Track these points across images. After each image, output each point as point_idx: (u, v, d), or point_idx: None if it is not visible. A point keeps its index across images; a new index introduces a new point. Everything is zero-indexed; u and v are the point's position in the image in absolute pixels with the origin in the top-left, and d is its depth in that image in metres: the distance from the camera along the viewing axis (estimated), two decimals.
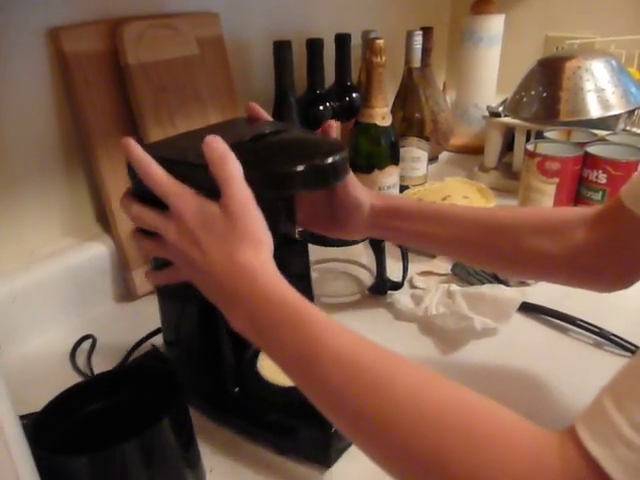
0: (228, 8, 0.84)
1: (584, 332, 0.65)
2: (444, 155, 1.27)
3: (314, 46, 0.89)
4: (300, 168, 0.43)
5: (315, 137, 0.53)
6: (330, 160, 0.45)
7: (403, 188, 1.05)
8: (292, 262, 0.61)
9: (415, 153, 1.04)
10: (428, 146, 1.05)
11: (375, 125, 0.90)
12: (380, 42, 0.86)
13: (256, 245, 0.40)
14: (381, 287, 0.73)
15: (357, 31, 1.00)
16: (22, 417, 0.40)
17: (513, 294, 0.67)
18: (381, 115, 0.90)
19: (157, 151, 0.45)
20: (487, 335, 0.65)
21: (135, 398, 0.45)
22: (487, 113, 1.06)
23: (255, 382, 0.55)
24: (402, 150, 1.02)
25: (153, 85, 0.71)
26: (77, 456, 0.38)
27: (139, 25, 0.69)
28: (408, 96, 1.02)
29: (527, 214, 0.55)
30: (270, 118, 0.55)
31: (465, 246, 0.56)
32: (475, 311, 0.66)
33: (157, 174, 0.42)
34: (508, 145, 1.10)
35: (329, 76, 0.99)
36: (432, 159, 1.20)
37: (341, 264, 0.78)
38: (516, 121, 1.02)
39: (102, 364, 0.61)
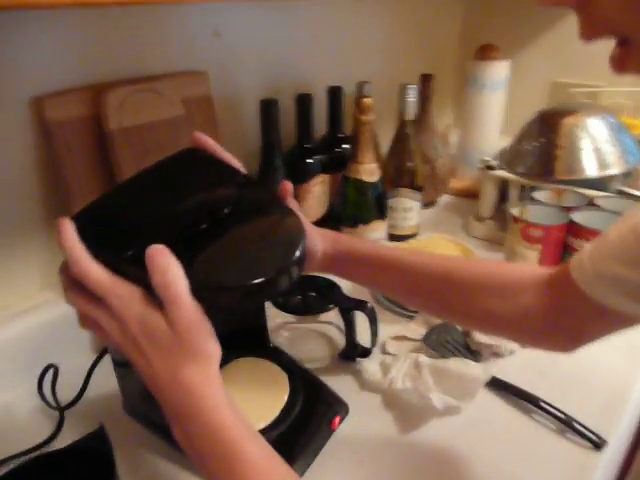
0: (218, 66, 0.86)
1: (549, 416, 0.64)
2: (444, 198, 1.26)
3: (303, 101, 0.90)
4: (258, 280, 0.40)
5: (272, 217, 0.49)
6: (295, 257, 0.43)
7: (395, 238, 1.06)
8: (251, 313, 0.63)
9: (406, 204, 1.04)
10: (420, 196, 1.05)
11: (361, 180, 0.91)
12: (367, 100, 0.87)
13: (203, 360, 0.40)
14: (350, 353, 0.73)
15: (356, 80, 1.01)
16: None
17: (479, 372, 0.66)
18: (368, 171, 0.91)
19: (92, 227, 0.43)
20: (450, 413, 0.65)
21: None
22: (482, 164, 1.06)
23: None
24: (394, 200, 1.02)
25: (135, 149, 0.73)
26: None
27: (122, 91, 0.71)
28: (400, 147, 1.02)
29: (480, 270, 0.54)
30: (218, 149, 0.52)
31: (416, 296, 0.57)
32: (440, 387, 0.66)
33: (92, 271, 0.40)
34: (504, 194, 1.09)
35: (322, 126, 1.00)
36: (429, 204, 1.20)
37: (318, 325, 0.79)
38: (510, 175, 1.01)
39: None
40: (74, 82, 0.70)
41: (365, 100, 0.87)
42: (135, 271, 0.40)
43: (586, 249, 0.47)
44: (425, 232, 1.09)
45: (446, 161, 1.20)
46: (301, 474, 0.56)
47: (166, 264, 0.39)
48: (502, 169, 1.03)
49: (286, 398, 0.60)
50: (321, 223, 0.97)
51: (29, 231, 0.71)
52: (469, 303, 0.53)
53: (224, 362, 0.65)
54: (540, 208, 0.85)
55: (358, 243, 0.58)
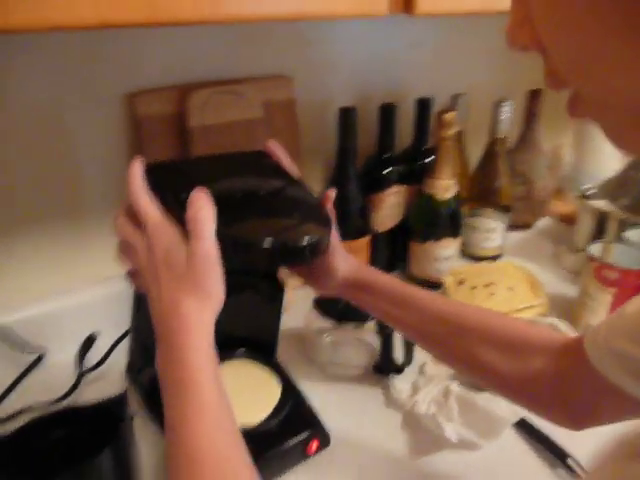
0: (306, 71, 0.89)
1: (574, 474, 0.59)
2: (543, 222, 1.18)
3: (386, 110, 0.90)
4: (267, 245, 0.44)
5: (305, 207, 0.52)
6: (304, 242, 0.45)
7: (475, 258, 1.02)
8: (266, 307, 0.65)
9: (489, 224, 0.99)
10: (506, 217, 1.00)
11: (435, 196, 0.89)
12: (448, 115, 0.85)
13: (204, 299, 0.43)
14: (384, 367, 0.73)
15: (451, 91, 0.98)
16: None
17: (507, 412, 0.63)
18: (444, 187, 0.89)
19: (159, 175, 0.49)
20: (467, 448, 0.63)
21: (81, 433, 0.54)
22: (579, 192, 0.97)
23: None
24: (476, 220, 0.99)
25: (212, 146, 0.80)
26: None
27: (206, 92, 0.78)
28: (488, 165, 0.98)
29: (493, 324, 0.53)
30: (285, 159, 0.56)
31: (423, 337, 0.56)
32: (464, 419, 0.64)
33: (143, 200, 0.45)
34: (603, 226, 0.99)
35: (409, 137, 0.99)
36: (523, 226, 1.13)
37: (359, 334, 0.80)
38: (608, 208, 0.92)
39: None
40: (163, 82, 0.77)
41: (446, 115, 0.85)
42: (179, 212, 0.44)
43: (603, 321, 0.44)
44: (509, 256, 1.04)
45: (549, 183, 1.12)
46: None
47: (202, 204, 0.43)
48: (602, 199, 0.94)
49: (271, 408, 0.62)
50: (392, 234, 0.97)
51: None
52: (475, 356, 0.51)
53: (229, 356, 0.68)
54: (625, 250, 0.77)
55: (379, 275, 0.58)
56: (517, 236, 1.10)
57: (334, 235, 0.56)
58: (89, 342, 0.74)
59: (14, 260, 0.75)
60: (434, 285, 0.90)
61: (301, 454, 0.60)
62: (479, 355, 0.51)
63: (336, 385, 0.73)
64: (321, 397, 0.68)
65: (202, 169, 0.55)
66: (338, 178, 0.89)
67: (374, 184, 0.94)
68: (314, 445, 0.60)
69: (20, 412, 0.65)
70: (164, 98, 0.77)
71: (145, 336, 0.48)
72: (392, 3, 0.54)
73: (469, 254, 1.03)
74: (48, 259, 0.77)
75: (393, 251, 0.99)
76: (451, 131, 0.85)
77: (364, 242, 0.93)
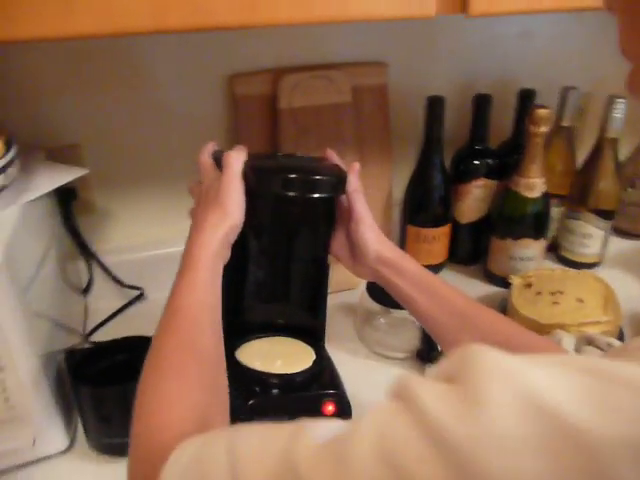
0: (402, 58, 0.90)
1: None
2: None
3: (480, 101, 0.88)
4: (296, 177, 0.57)
5: (322, 166, 0.64)
6: (317, 177, 0.57)
7: (569, 263, 0.97)
8: (312, 281, 0.70)
9: (586, 229, 0.93)
10: (608, 224, 0.93)
11: (520, 194, 0.86)
12: (542, 111, 0.81)
13: (223, 215, 0.54)
14: (424, 356, 0.76)
15: (561, 84, 0.92)
16: (69, 351, 0.65)
17: None
18: (530, 185, 0.86)
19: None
20: None
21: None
22: None
23: (234, 366, 0.64)
24: (573, 223, 0.94)
25: (298, 126, 0.86)
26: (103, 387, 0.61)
27: (296, 76, 0.84)
28: (593, 166, 0.91)
29: (503, 328, 0.55)
30: (342, 166, 0.64)
31: (436, 327, 0.58)
32: None
33: (204, 158, 0.61)
34: None
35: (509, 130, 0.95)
36: (633, 235, 1.03)
37: (411, 320, 0.82)
38: None
39: None
40: (260, 65, 0.85)
41: (539, 111, 0.81)
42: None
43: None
44: (609, 265, 0.96)
45: None
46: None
47: (235, 153, 0.58)
48: None
49: (301, 369, 0.67)
50: (474, 227, 0.95)
51: None
52: None
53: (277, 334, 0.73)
54: None
55: (408, 259, 0.60)
56: (623, 245, 1.01)
57: (362, 205, 0.61)
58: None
59: (127, 212, 0.90)
60: (508, 284, 0.88)
61: (317, 412, 0.65)
62: None
63: (375, 364, 0.78)
64: (356, 371, 0.73)
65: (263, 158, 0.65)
66: (422, 165, 0.91)
67: (462, 174, 0.93)
68: (330, 407, 0.65)
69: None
70: (260, 80, 0.85)
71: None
72: (442, 3, 0.55)
73: (563, 258, 0.98)
74: (152, 213, 0.91)
75: (474, 244, 0.98)
76: (543, 128, 0.81)
77: (443, 231, 0.93)
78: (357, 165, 0.63)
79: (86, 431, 0.64)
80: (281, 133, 0.86)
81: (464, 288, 0.92)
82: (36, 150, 0.76)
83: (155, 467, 0.33)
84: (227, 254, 0.56)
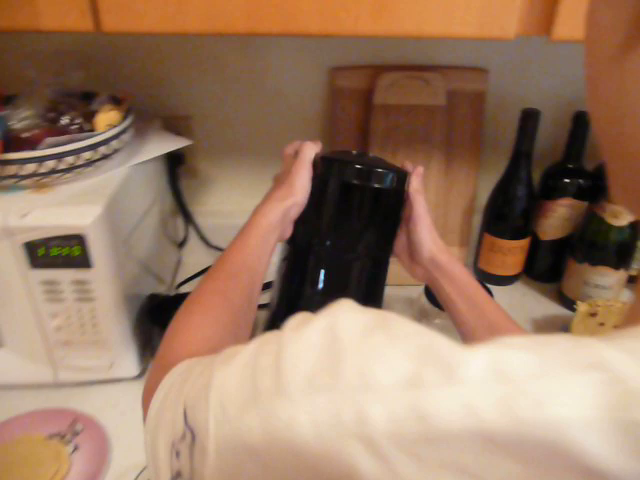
0: (505, 67, 0.90)
1: None
2: None
3: (579, 119, 0.86)
4: (358, 167, 0.63)
5: (388, 165, 0.67)
6: (378, 170, 0.63)
7: None
8: (372, 277, 0.74)
9: None
10: None
11: (605, 220, 0.84)
12: None
13: (288, 192, 0.61)
14: None
15: None
16: (152, 295, 0.76)
17: None
18: (616, 212, 0.83)
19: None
20: None
21: None
22: None
23: None
24: None
25: (389, 122, 0.89)
26: None
27: (394, 75, 0.87)
28: None
29: None
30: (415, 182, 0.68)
31: (468, 335, 0.60)
32: None
33: (288, 149, 0.68)
34: None
35: None
36: None
37: None
38: None
39: None
40: (363, 60, 0.89)
41: None
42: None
43: None
44: None
45: None
46: None
47: (309, 143, 0.64)
48: None
49: None
50: (555, 245, 0.94)
51: None
52: None
53: None
54: None
55: (458, 265, 0.63)
56: None
57: (422, 206, 0.64)
58: None
59: (224, 180, 1.00)
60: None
61: None
62: None
63: None
64: None
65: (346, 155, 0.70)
66: (508, 177, 0.90)
67: (549, 190, 0.91)
68: None
69: None
70: (359, 75, 0.89)
71: None
72: (523, 26, 0.56)
73: None
74: (246, 184, 1.00)
75: (553, 262, 0.96)
76: None
77: (519, 244, 0.93)
78: (421, 169, 0.66)
79: None
80: (372, 127, 0.90)
81: (534, 304, 0.94)
82: (154, 119, 0.87)
83: (161, 377, 0.40)
84: (287, 230, 0.63)
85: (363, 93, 0.90)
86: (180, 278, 0.98)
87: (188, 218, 0.99)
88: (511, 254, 0.94)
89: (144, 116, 0.84)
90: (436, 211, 0.95)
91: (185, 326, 0.49)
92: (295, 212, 0.62)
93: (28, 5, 0.53)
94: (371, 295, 0.77)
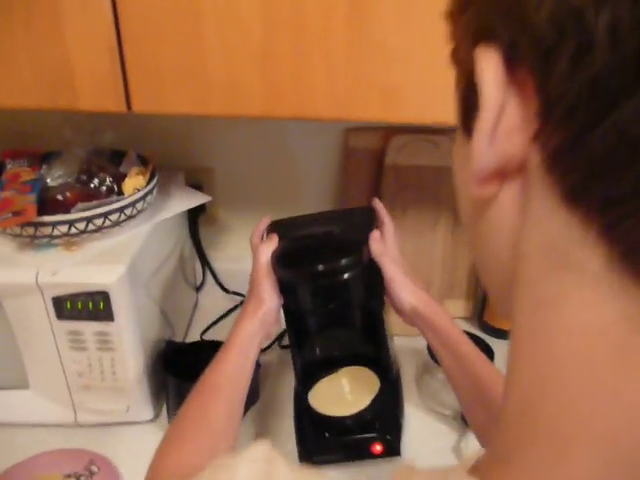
0: None
1: None
2: None
3: None
4: (319, 268, 0.63)
5: (343, 242, 0.69)
6: (340, 263, 0.63)
7: None
8: (366, 327, 0.78)
9: None
10: None
11: None
12: None
13: (257, 303, 0.65)
14: (466, 420, 0.80)
15: None
16: (168, 342, 0.80)
17: None
18: None
19: (276, 227, 0.74)
20: None
21: None
22: None
23: (307, 412, 0.78)
24: None
25: (399, 183, 0.94)
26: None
27: (405, 138, 0.92)
28: None
29: None
30: (384, 218, 0.71)
31: (455, 386, 0.63)
32: None
33: (254, 238, 0.72)
34: None
35: None
36: None
37: None
38: None
39: None
40: (375, 123, 0.94)
41: None
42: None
43: None
44: None
45: None
46: (307, 460, 0.73)
47: (264, 248, 0.68)
48: None
49: (361, 408, 0.76)
50: None
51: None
52: (487, 426, 0.57)
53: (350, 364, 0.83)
54: None
55: (442, 316, 0.65)
56: None
57: (389, 268, 0.66)
58: None
59: (242, 228, 1.05)
60: None
61: (366, 451, 0.74)
62: (489, 427, 0.57)
63: (422, 416, 0.84)
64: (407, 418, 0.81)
65: (308, 221, 0.75)
66: None
67: None
68: (378, 447, 0.73)
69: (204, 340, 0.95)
70: (372, 136, 0.94)
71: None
72: None
73: None
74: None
75: None
76: None
77: None
78: (376, 234, 0.68)
79: (168, 410, 0.80)
80: (383, 186, 0.94)
81: None
82: (178, 172, 0.93)
83: None
84: (271, 330, 0.67)
85: (375, 153, 0.95)
86: (197, 320, 1.02)
87: (206, 263, 1.04)
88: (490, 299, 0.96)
89: (167, 168, 0.89)
90: (443, 266, 0.99)
91: (168, 454, 0.54)
92: (272, 316, 0.66)
93: (68, 90, 0.59)
94: (376, 341, 0.81)
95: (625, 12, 0.17)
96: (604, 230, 0.20)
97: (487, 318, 1.00)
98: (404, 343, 0.96)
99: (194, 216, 0.98)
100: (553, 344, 0.22)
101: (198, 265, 1.05)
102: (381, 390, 0.78)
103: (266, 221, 0.74)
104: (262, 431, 0.80)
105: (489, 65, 0.22)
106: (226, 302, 1.05)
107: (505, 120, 0.22)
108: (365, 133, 0.94)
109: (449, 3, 0.26)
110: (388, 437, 0.74)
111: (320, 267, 0.63)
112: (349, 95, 0.59)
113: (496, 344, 0.88)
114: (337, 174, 0.99)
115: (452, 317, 0.66)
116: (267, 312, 0.65)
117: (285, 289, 0.66)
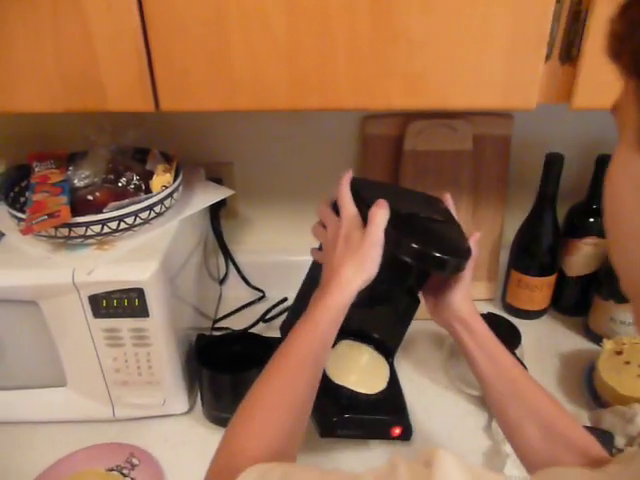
0: (530, 113, 0.94)
1: None
2: None
3: (602, 162, 0.89)
4: (427, 250, 0.59)
5: (455, 238, 0.67)
6: (447, 258, 0.60)
7: None
8: (402, 310, 0.79)
9: None
10: None
11: None
12: None
13: (360, 270, 0.58)
14: None
15: None
16: (199, 335, 0.82)
17: None
18: None
19: (360, 185, 0.68)
20: None
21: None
22: None
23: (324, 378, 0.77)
24: None
25: (418, 168, 0.94)
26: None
27: (423, 123, 0.92)
28: None
29: (546, 407, 0.59)
30: (453, 214, 0.71)
31: (487, 389, 0.64)
32: None
33: (345, 198, 0.63)
34: None
35: None
36: None
37: None
38: None
39: None
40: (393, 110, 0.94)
41: None
42: (365, 212, 0.61)
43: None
44: None
45: None
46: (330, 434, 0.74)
47: (380, 209, 0.60)
48: None
49: (377, 390, 0.77)
50: (581, 281, 0.97)
51: None
52: (520, 424, 0.58)
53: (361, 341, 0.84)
54: None
55: (483, 326, 0.66)
56: None
57: (470, 271, 0.66)
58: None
59: (262, 221, 1.06)
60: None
61: (386, 432, 0.75)
62: (523, 425, 0.58)
63: (452, 396, 0.85)
64: (432, 399, 0.82)
65: (391, 192, 0.72)
66: (533, 219, 0.94)
67: (574, 229, 0.95)
68: (397, 430, 0.75)
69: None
70: (389, 123, 0.94)
71: (305, 302, 0.65)
72: (544, 96, 0.60)
73: None
74: (282, 225, 1.06)
75: (580, 297, 0.99)
76: None
77: (546, 281, 0.96)
78: (477, 235, 0.69)
79: (203, 402, 0.81)
80: (402, 171, 0.95)
81: (562, 338, 0.97)
82: (198, 167, 0.94)
83: None
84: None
85: (393, 139, 0.95)
86: (221, 312, 1.04)
87: (228, 256, 1.05)
88: (538, 290, 0.97)
89: (189, 163, 0.90)
90: None
91: (246, 432, 0.50)
92: (365, 285, 0.59)
93: (97, 91, 0.60)
94: (398, 324, 0.82)
95: None
96: None
97: (510, 299, 1.01)
98: (429, 327, 0.96)
99: (215, 210, 0.99)
100: None
101: (221, 258, 1.06)
102: (391, 375, 0.81)
103: (349, 176, 0.67)
104: None
105: None
106: (249, 294, 1.07)
107: None
108: (382, 120, 0.95)
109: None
110: (405, 421, 0.76)
111: (449, 258, 0.60)
112: (372, 84, 0.60)
113: (520, 324, 0.89)
114: (356, 162, 1.00)
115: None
116: (366, 281, 0.58)
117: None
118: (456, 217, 0.72)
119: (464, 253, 0.64)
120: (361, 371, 0.81)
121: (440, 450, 0.34)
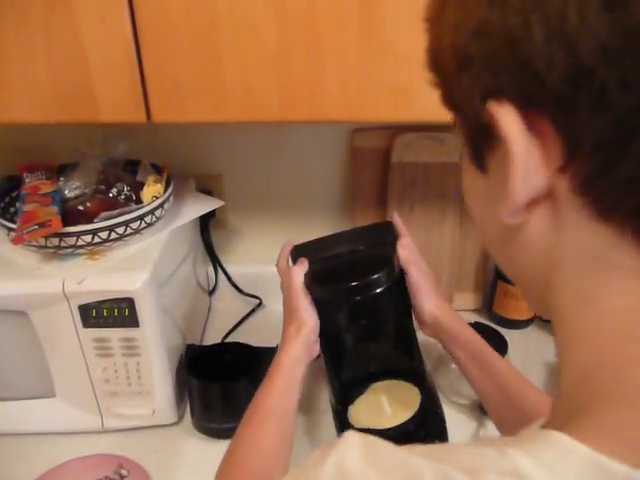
0: None
1: None
2: None
3: None
4: (352, 284, 0.65)
5: (372, 257, 0.71)
6: (370, 278, 0.65)
7: None
8: (398, 339, 0.79)
9: None
10: None
11: None
12: None
13: (298, 324, 0.66)
14: (482, 408, 0.82)
15: None
16: (189, 346, 0.82)
17: None
18: None
19: (303, 250, 0.75)
20: None
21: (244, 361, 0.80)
22: None
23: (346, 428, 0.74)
24: None
25: (406, 180, 0.96)
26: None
27: (410, 136, 0.94)
28: None
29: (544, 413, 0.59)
30: (403, 232, 0.73)
31: (481, 393, 0.65)
32: None
33: (281, 262, 0.73)
34: None
35: None
36: None
37: None
38: None
39: None
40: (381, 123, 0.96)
41: None
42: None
43: None
44: None
45: None
46: None
47: (297, 270, 0.69)
48: None
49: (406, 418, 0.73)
50: None
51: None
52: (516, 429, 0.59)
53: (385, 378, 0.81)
54: None
55: (463, 327, 0.67)
56: None
57: (414, 276, 0.68)
58: None
59: (251, 231, 1.07)
60: None
61: None
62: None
63: (457, 410, 0.86)
64: None
65: (327, 242, 0.76)
66: None
67: None
68: None
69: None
70: (378, 135, 0.96)
71: None
72: None
73: None
74: (271, 235, 1.06)
75: None
76: None
77: None
78: (405, 239, 0.71)
79: (192, 412, 0.81)
80: (390, 184, 0.96)
81: (548, 347, 0.98)
82: (188, 178, 0.95)
83: None
84: (314, 350, 0.68)
85: (381, 152, 0.97)
86: (211, 324, 1.04)
87: (219, 266, 1.06)
88: (524, 300, 0.98)
89: (179, 175, 0.91)
90: (452, 259, 1.01)
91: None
92: (315, 334, 0.67)
93: (89, 102, 0.60)
94: (407, 348, 0.80)
95: (630, 67, 0.21)
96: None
97: (496, 309, 1.02)
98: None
99: (205, 221, 1.00)
100: (604, 326, 0.26)
101: (210, 270, 1.07)
102: (422, 399, 0.76)
103: (289, 245, 0.76)
104: (304, 445, 0.79)
105: (511, 120, 0.25)
106: (238, 305, 1.07)
107: (532, 160, 0.25)
108: (371, 133, 0.96)
109: (440, 60, 0.30)
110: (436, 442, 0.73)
111: (358, 282, 0.65)
112: (361, 97, 0.61)
113: (507, 334, 0.90)
114: (344, 175, 1.01)
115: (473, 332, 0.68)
116: (310, 331, 0.66)
117: (320, 310, 0.67)
118: (403, 232, 0.74)
119: (387, 260, 0.68)
120: (383, 409, 0.78)
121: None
